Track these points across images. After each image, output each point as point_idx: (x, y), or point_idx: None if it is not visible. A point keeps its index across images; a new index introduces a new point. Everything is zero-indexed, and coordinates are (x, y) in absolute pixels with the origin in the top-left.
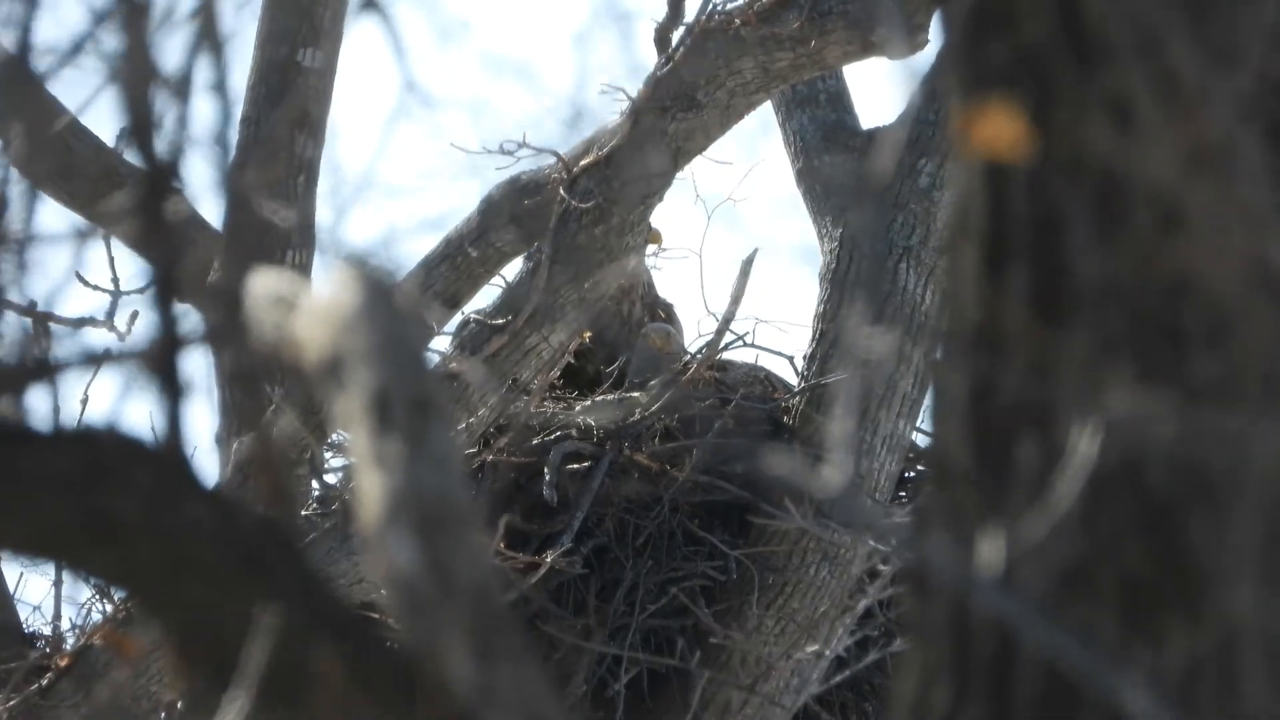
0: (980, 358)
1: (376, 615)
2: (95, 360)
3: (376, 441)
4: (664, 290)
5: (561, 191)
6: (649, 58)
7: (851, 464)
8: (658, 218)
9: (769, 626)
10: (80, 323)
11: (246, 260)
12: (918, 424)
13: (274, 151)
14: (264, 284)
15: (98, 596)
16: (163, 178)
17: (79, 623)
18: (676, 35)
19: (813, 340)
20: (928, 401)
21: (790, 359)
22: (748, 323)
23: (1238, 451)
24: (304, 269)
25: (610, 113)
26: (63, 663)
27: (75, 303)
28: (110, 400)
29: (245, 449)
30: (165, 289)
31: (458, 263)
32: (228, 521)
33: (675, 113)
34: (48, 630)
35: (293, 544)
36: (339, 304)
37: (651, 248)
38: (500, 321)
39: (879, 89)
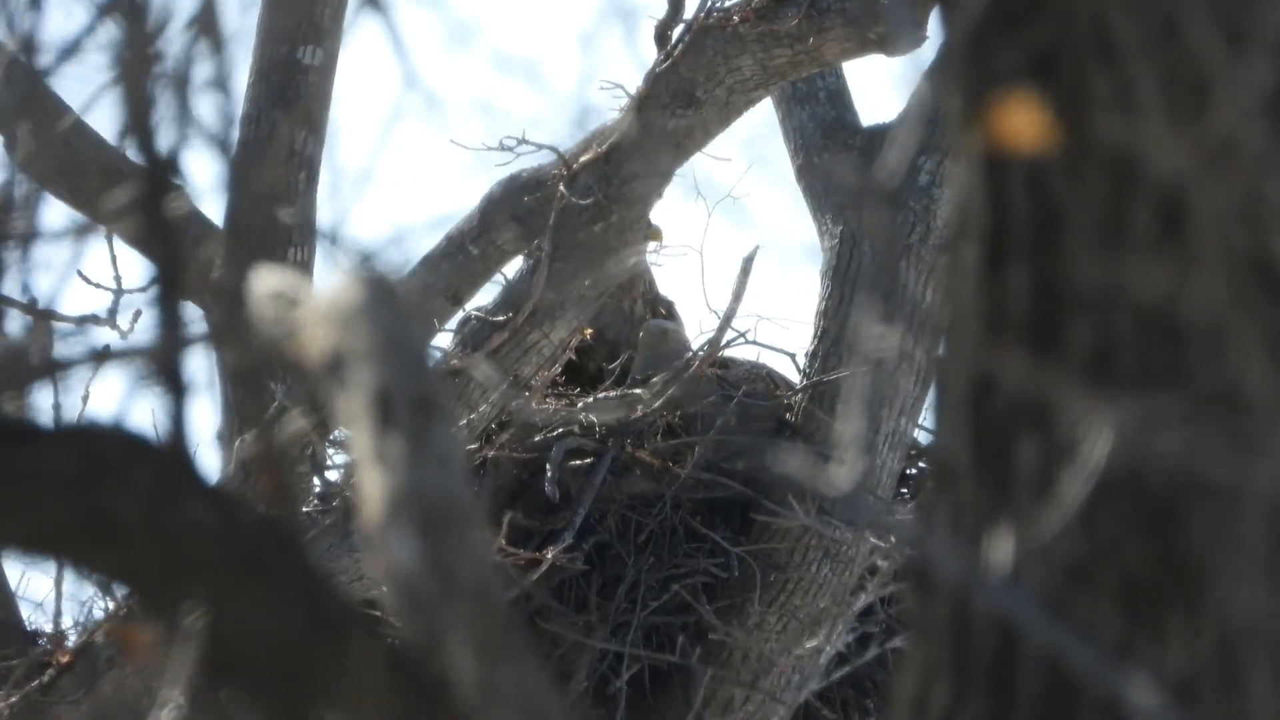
0: (980, 356)
1: (378, 613)
2: (97, 358)
3: (378, 440)
4: (665, 287)
5: (561, 188)
6: (652, 55)
7: (862, 464)
8: (658, 215)
9: (770, 623)
10: (82, 321)
11: (248, 258)
12: (919, 421)
13: (275, 149)
14: (266, 282)
15: (100, 594)
16: (163, 175)
17: (81, 620)
18: (676, 32)
19: (814, 337)
20: (929, 399)
21: (792, 356)
22: (749, 320)
23: (1239, 451)
24: (306, 267)
25: (612, 110)
26: (64, 659)
27: (77, 301)
28: (112, 399)
29: (247, 447)
30: (167, 287)
31: (459, 260)
32: (229, 521)
33: (674, 109)
34: (49, 628)
35: (294, 543)
36: (341, 302)
37: (652, 244)
38: (501, 318)
39: (879, 88)
